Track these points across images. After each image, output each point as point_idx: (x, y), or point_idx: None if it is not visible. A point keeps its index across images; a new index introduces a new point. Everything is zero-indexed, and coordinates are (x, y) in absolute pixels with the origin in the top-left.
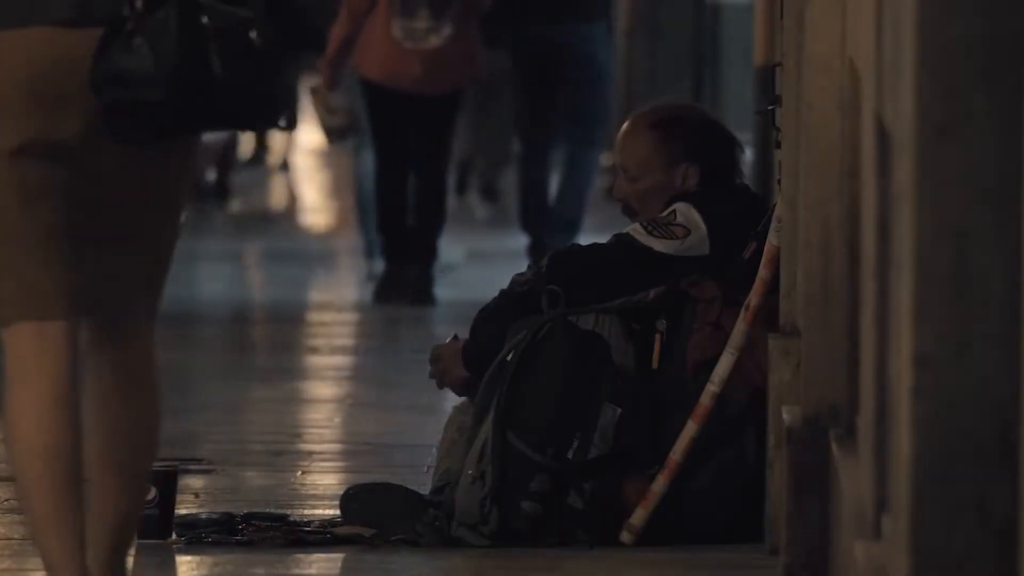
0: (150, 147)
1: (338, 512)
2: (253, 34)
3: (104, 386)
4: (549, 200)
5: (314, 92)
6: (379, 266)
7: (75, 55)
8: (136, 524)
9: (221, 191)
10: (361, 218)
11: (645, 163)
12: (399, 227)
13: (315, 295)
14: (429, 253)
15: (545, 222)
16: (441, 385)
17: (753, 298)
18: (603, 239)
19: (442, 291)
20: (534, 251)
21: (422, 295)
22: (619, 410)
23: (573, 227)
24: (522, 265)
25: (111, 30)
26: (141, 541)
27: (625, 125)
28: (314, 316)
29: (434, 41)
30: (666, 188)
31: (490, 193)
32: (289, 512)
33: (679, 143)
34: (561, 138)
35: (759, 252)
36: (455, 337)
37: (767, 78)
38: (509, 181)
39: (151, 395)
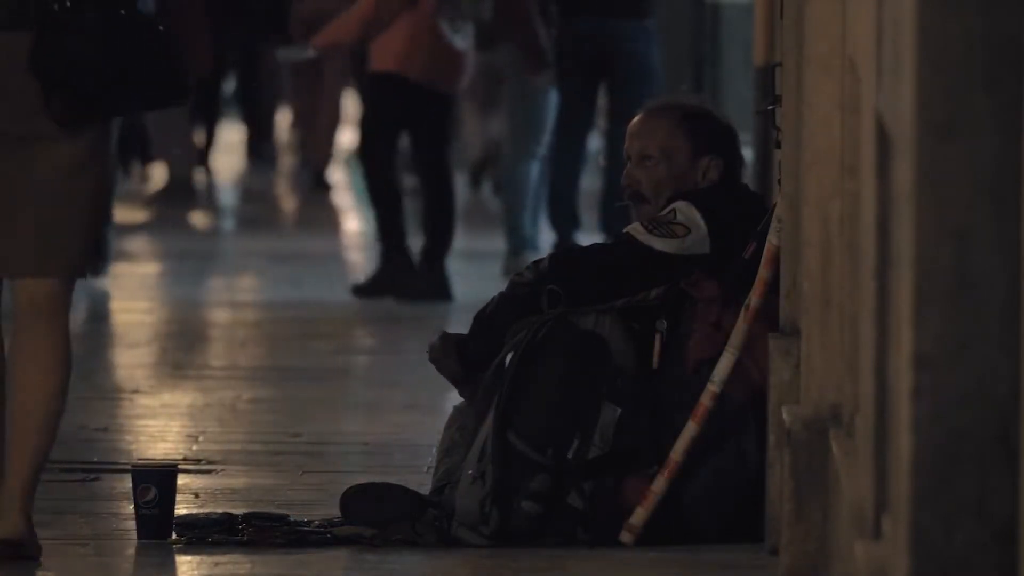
0: (79, 130)
1: (338, 512)
2: (161, 27)
3: (14, 343)
4: (578, 197)
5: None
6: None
7: (12, 53)
8: (38, 473)
9: (320, 183)
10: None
11: (671, 150)
12: (401, 224)
13: (315, 294)
14: (445, 249)
15: (573, 219)
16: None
17: (753, 298)
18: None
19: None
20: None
21: (442, 291)
22: (619, 410)
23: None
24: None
25: (44, 28)
26: (141, 541)
27: (646, 113)
28: (314, 316)
29: (463, 42)
30: (685, 178)
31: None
32: (289, 512)
33: (708, 136)
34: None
35: (759, 252)
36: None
37: (767, 78)
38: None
39: (51, 356)
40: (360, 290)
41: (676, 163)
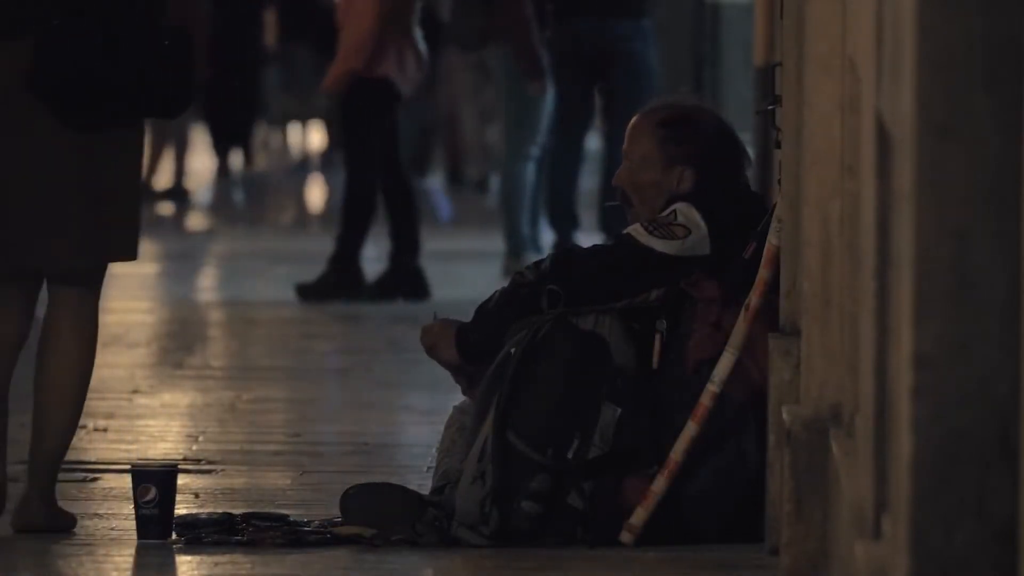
0: (84, 134)
1: (338, 512)
2: (166, 40)
3: (45, 328)
4: (577, 197)
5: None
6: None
7: (14, 60)
8: (62, 455)
9: (480, 185)
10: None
11: (646, 158)
12: (367, 229)
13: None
14: (416, 246)
15: (572, 219)
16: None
17: (753, 298)
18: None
19: (438, 289)
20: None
21: (419, 290)
22: (619, 410)
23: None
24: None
25: (42, 38)
26: (141, 541)
27: (636, 117)
28: (313, 316)
29: (422, 44)
30: (661, 186)
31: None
32: (289, 512)
33: (681, 145)
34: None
35: (759, 252)
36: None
37: (767, 78)
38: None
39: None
40: (305, 291)
41: (652, 170)
